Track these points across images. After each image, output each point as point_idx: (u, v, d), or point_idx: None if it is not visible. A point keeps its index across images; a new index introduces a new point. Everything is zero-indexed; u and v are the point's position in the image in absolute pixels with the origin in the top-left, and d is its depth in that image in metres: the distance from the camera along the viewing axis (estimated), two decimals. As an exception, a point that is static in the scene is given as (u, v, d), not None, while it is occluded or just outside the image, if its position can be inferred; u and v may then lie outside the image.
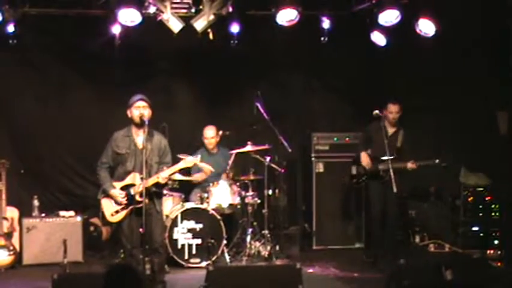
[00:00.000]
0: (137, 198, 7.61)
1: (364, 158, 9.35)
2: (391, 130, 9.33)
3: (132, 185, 7.73)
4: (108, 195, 7.83)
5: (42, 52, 10.25)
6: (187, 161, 7.89)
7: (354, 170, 9.53)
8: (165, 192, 8.55)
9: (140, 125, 7.72)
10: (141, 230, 7.50)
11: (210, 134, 9.92)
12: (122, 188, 7.78)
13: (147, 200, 7.59)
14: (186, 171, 8.86)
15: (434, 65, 10.36)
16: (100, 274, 4.86)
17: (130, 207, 7.72)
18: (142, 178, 7.55)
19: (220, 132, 9.93)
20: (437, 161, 8.98)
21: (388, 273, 7.16)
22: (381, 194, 9.23)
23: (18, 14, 9.06)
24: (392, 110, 9.24)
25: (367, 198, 9.81)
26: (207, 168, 9.32)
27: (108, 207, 7.85)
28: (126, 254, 8.02)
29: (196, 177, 9.76)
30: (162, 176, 7.67)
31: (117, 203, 7.79)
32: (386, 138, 9.06)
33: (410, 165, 9.04)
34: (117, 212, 7.80)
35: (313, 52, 10.37)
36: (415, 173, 9.80)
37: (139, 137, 7.76)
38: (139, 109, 7.73)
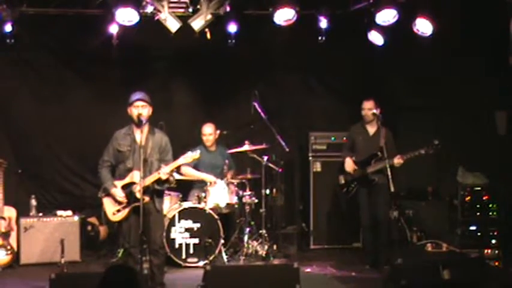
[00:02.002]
0: (138, 196, 7.57)
1: (348, 164, 9.24)
2: (371, 130, 9.21)
3: (133, 183, 7.72)
4: (109, 194, 7.83)
5: (40, 52, 10.24)
6: (186, 156, 7.89)
7: (341, 180, 9.37)
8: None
9: (139, 124, 7.73)
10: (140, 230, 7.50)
11: (208, 131, 9.91)
12: (123, 187, 7.77)
13: (147, 198, 7.59)
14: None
15: (432, 65, 10.36)
16: (97, 273, 4.86)
17: (131, 206, 7.71)
18: (141, 176, 7.54)
19: (218, 132, 9.94)
20: (422, 151, 8.74)
21: (386, 272, 7.17)
22: (368, 198, 9.13)
23: (15, 14, 9.03)
24: (365, 107, 9.11)
25: (356, 204, 9.50)
26: (209, 179, 9.46)
27: (109, 206, 7.84)
28: (124, 253, 8.00)
29: (190, 173, 9.73)
30: (163, 172, 7.65)
31: (118, 201, 7.78)
32: (368, 139, 9.07)
33: (396, 160, 8.76)
34: (118, 211, 7.77)
35: (310, 51, 10.35)
36: (412, 173, 9.83)
37: (139, 134, 7.75)
38: (138, 109, 7.74)
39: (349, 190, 9.30)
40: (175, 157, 7.95)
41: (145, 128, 7.71)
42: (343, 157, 9.38)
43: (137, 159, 7.68)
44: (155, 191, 7.82)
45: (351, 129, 9.49)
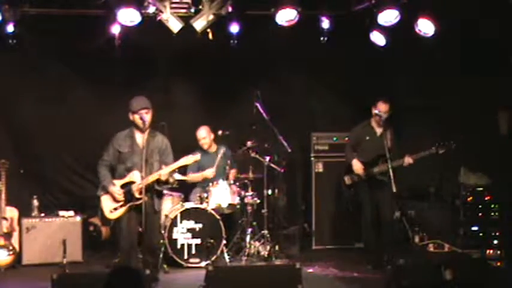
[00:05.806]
0: (136, 195, 7.69)
1: (357, 166, 9.19)
2: (379, 130, 9.20)
3: (132, 183, 7.83)
4: (107, 192, 7.91)
5: (42, 52, 10.24)
6: (188, 158, 7.97)
7: (348, 180, 9.33)
8: (165, 191, 8.56)
9: (142, 129, 7.89)
10: (140, 229, 7.55)
11: (202, 135, 9.92)
12: (122, 186, 7.87)
13: (146, 198, 7.67)
14: (182, 170, 8.91)
15: (433, 65, 10.35)
16: (100, 274, 4.85)
17: (129, 204, 7.80)
18: (142, 176, 7.63)
19: (220, 132, 9.92)
20: (433, 148, 8.88)
21: (388, 273, 7.16)
22: (371, 197, 9.15)
23: (17, 14, 9.05)
24: (383, 109, 9.09)
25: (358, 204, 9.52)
26: (209, 173, 9.49)
27: (107, 203, 7.96)
28: (123, 254, 8.02)
29: (194, 177, 9.75)
30: (162, 173, 7.78)
31: (116, 200, 7.87)
32: (375, 139, 9.07)
33: (407, 160, 8.91)
34: (115, 208, 7.88)
35: (312, 52, 10.35)
36: (415, 173, 9.81)
37: (141, 137, 7.89)
38: (142, 115, 7.87)
39: (356, 191, 9.28)
40: (177, 158, 8.02)
41: (146, 131, 7.86)
42: (349, 158, 9.30)
43: (137, 161, 7.79)
44: (155, 191, 7.90)
45: (357, 128, 9.47)
